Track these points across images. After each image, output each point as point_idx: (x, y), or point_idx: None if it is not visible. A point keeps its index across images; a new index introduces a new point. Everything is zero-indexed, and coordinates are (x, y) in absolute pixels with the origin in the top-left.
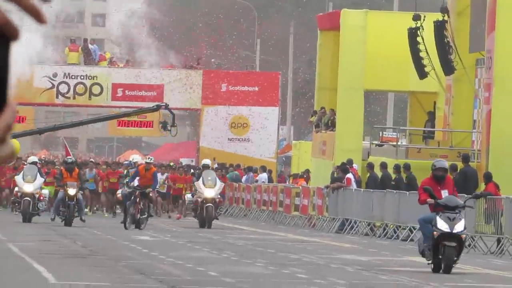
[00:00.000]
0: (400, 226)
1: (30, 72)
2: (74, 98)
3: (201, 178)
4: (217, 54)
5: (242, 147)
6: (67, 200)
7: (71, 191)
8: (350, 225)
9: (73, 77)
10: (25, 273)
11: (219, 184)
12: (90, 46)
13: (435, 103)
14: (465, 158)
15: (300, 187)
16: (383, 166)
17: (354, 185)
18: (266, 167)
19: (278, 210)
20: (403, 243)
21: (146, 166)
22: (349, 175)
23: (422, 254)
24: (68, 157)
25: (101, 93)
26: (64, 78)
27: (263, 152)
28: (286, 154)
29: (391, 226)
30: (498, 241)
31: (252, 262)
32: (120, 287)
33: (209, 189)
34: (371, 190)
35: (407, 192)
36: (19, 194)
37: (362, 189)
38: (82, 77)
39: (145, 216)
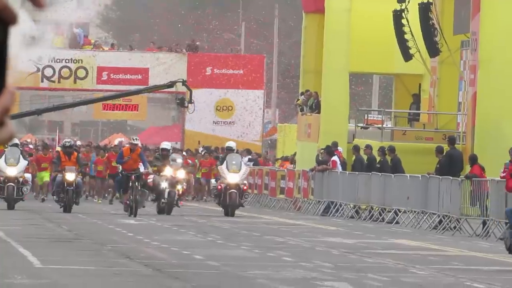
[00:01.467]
0: (385, 209)
1: (15, 56)
2: (59, 81)
3: (224, 162)
4: (202, 37)
5: (227, 130)
6: (65, 185)
7: (70, 176)
8: (336, 208)
9: (58, 60)
10: (10, 257)
11: (244, 169)
12: (75, 30)
13: (420, 85)
14: (451, 140)
15: (286, 170)
16: (369, 148)
17: (339, 168)
18: (250, 150)
19: (264, 193)
20: (388, 225)
21: (132, 147)
22: (335, 158)
23: (510, 250)
24: (67, 140)
25: (86, 76)
26: (49, 61)
27: (248, 135)
28: (272, 137)
29: (376, 208)
30: (484, 223)
31: (237, 245)
32: (105, 271)
33: (233, 174)
34: (357, 172)
35: (392, 175)
36: (1, 179)
37: (347, 172)
38: (67, 61)
39: (142, 203)
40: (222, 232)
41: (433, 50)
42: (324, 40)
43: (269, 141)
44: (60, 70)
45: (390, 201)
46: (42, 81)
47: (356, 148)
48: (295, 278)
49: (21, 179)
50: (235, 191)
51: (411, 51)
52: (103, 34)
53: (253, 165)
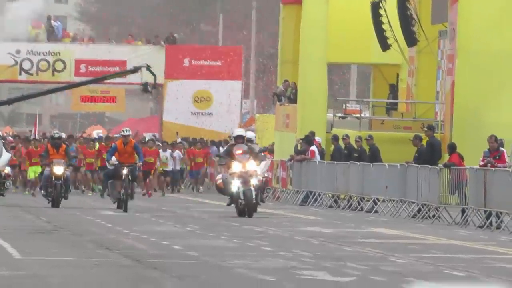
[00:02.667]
0: (364, 198)
1: None
2: (37, 74)
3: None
4: (179, 29)
5: (205, 121)
6: (53, 179)
7: (58, 170)
8: (314, 198)
9: (36, 53)
10: None
11: (265, 161)
12: (53, 23)
13: (398, 75)
14: (432, 129)
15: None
16: (347, 137)
17: (318, 158)
18: (228, 141)
19: None
20: (367, 214)
21: (124, 139)
22: (313, 148)
23: None
24: (55, 132)
25: (64, 69)
26: (27, 54)
27: (226, 126)
28: (250, 127)
29: (355, 198)
30: (463, 211)
31: (216, 235)
32: (85, 262)
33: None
34: (335, 162)
35: (371, 164)
36: None
37: (325, 162)
38: (45, 54)
39: (132, 196)
40: (200, 223)
41: (410, 39)
42: (301, 30)
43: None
44: (38, 63)
45: (368, 190)
46: (20, 74)
47: (335, 138)
48: (274, 267)
49: (3, 173)
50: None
51: (388, 41)
52: (82, 26)
53: None
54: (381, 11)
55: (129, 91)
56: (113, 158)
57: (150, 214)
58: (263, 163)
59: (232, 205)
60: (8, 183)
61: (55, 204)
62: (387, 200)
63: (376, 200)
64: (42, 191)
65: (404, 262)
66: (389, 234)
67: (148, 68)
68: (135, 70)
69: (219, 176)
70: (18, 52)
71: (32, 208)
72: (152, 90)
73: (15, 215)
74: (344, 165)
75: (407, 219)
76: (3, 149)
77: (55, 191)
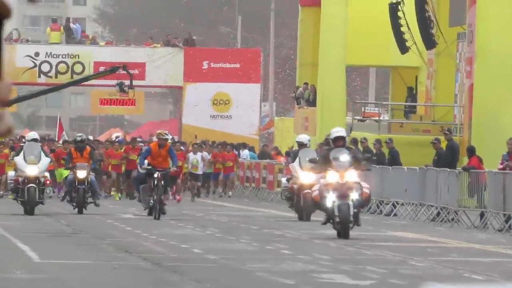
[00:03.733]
0: (383, 201)
1: (12, 51)
2: (56, 77)
3: (297, 159)
4: (198, 31)
5: (224, 124)
6: (76, 184)
7: (81, 174)
8: None
9: (55, 56)
10: (9, 252)
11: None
12: (72, 25)
13: (417, 77)
14: (451, 132)
15: (283, 163)
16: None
17: None
18: (246, 144)
19: (261, 187)
20: (386, 218)
21: (160, 142)
22: None
23: None
24: (78, 134)
25: (83, 71)
26: (46, 57)
27: (245, 129)
28: (269, 130)
29: (374, 201)
30: (482, 215)
31: (236, 238)
32: (104, 265)
33: (307, 172)
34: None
35: (390, 167)
36: (20, 179)
37: None
38: (64, 56)
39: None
40: (220, 226)
41: (429, 42)
42: (321, 33)
43: (266, 135)
44: (57, 65)
45: (387, 194)
46: (39, 76)
47: (354, 141)
48: (293, 270)
49: (42, 179)
50: (310, 191)
51: (407, 44)
52: (100, 29)
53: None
54: (400, 14)
55: (148, 94)
56: (146, 162)
57: (169, 217)
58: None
59: (329, 223)
60: (48, 190)
61: (80, 209)
62: (406, 204)
63: (395, 203)
64: (67, 196)
65: (423, 265)
66: (408, 238)
67: (124, 68)
68: (113, 70)
69: (315, 187)
70: (37, 54)
71: (55, 213)
72: (129, 90)
73: (35, 218)
74: None
75: (426, 222)
76: (42, 153)
77: (78, 196)
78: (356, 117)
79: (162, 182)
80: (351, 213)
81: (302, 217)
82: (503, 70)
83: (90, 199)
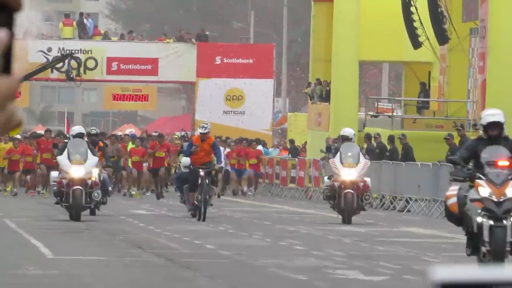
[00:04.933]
0: (396, 197)
1: (24, 47)
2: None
3: (338, 154)
4: (210, 26)
5: (237, 120)
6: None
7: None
8: None
9: (67, 51)
10: (22, 248)
11: (363, 162)
12: (85, 21)
13: (430, 73)
14: (464, 128)
15: (296, 159)
16: (379, 136)
17: None
18: (260, 139)
19: (275, 183)
20: (399, 214)
21: (202, 136)
22: None
23: None
24: (92, 128)
25: (95, 67)
26: (58, 52)
27: (258, 125)
28: (282, 126)
29: (388, 197)
30: None
31: (249, 234)
32: (117, 261)
33: (348, 169)
34: None
35: (403, 163)
36: (64, 181)
37: None
38: (76, 51)
39: (210, 203)
40: (233, 222)
41: (442, 37)
42: (333, 29)
43: (279, 130)
44: (70, 60)
45: (401, 189)
46: (52, 72)
47: (368, 137)
48: (307, 266)
49: (90, 181)
50: (351, 191)
51: (420, 39)
52: (113, 24)
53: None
54: (412, 9)
55: (160, 89)
56: (186, 160)
57: (183, 213)
58: (361, 164)
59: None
60: (96, 194)
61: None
62: (419, 199)
63: (408, 199)
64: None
65: (437, 261)
66: (422, 233)
67: (71, 56)
68: (62, 58)
69: (451, 192)
70: (49, 50)
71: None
72: (76, 78)
73: (48, 214)
74: (376, 164)
75: (439, 218)
76: (88, 151)
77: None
78: (369, 113)
79: (207, 180)
80: (509, 239)
81: (344, 219)
82: None
83: (97, 199)
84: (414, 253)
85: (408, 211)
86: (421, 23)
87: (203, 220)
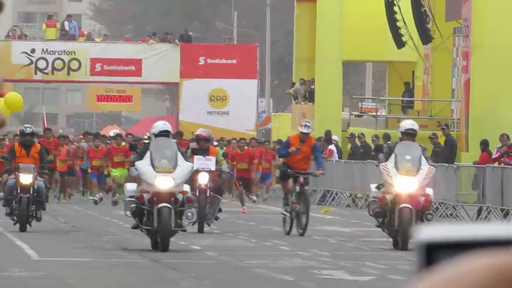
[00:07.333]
0: None
1: (7, 48)
2: (52, 73)
3: (392, 156)
4: (194, 27)
5: (221, 120)
6: (19, 191)
7: (25, 179)
8: (332, 197)
9: (51, 52)
10: (7, 250)
11: (427, 169)
12: (65, 23)
13: (413, 72)
14: (448, 127)
15: (281, 159)
16: (363, 136)
17: (336, 156)
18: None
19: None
20: None
21: (303, 136)
22: (331, 147)
23: None
24: (26, 125)
25: (79, 68)
26: (42, 54)
27: (242, 125)
28: (266, 126)
29: None
30: (480, 210)
31: (234, 235)
32: (103, 263)
33: (406, 177)
34: (352, 161)
35: None
36: (145, 196)
37: (343, 160)
38: (60, 53)
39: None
40: (218, 223)
41: (425, 37)
42: (317, 29)
43: (263, 131)
44: (53, 62)
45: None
46: (35, 73)
47: (353, 136)
48: (292, 267)
49: (181, 196)
50: (409, 206)
51: (403, 39)
52: (97, 26)
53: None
54: (396, 9)
55: (145, 90)
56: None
57: None
58: (424, 171)
59: None
60: (190, 213)
61: (22, 226)
62: None
63: None
64: (6, 208)
65: None
66: None
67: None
68: None
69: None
70: (33, 51)
71: (50, 209)
72: None
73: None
74: (361, 164)
75: None
76: (179, 155)
77: (20, 208)
78: (353, 113)
79: (305, 188)
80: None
81: (397, 243)
82: (499, 64)
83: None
84: (399, 253)
85: None
86: (404, 22)
87: (302, 234)
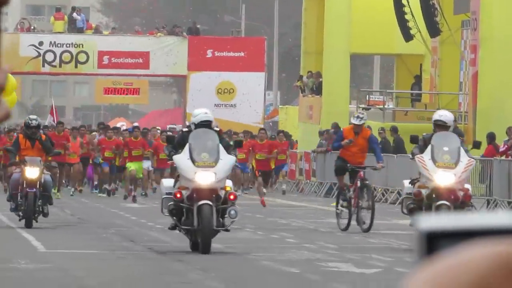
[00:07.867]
0: (388, 190)
1: (15, 41)
2: (60, 66)
3: (429, 148)
4: (202, 20)
5: (229, 113)
6: (25, 186)
7: (31, 173)
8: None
9: (59, 45)
10: (14, 242)
11: (466, 161)
12: (74, 15)
13: (421, 65)
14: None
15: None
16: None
17: None
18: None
19: None
20: (391, 206)
21: (356, 128)
22: None
23: None
24: (31, 117)
25: (87, 61)
26: (50, 46)
27: (250, 118)
28: (273, 119)
29: (380, 189)
30: (488, 203)
31: (241, 227)
32: (109, 255)
33: (444, 170)
34: None
35: (395, 155)
36: (184, 193)
37: None
38: (68, 45)
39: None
40: None
41: (433, 30)
42: (325, 22)
43: (271, 123)
44: (61, 54)
45: (393, 182)
46: (43, 66)
47: None
48: (299, 259)
49: (223, 193)
50: (447, 203)
51: (411, 32)
52: (104, 19)
53: None
54: (404, 2)
55: (152, 83)
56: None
57: None
58: (463, 163)
59: None
60: (233, 212)
61: (29, 222)
62: None
63: (400, 191)
64: (11, 202)
65: None
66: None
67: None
68: None
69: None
70: (41, 44)
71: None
72: None
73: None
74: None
75: None
76: (221, 147)
77: (26, 204)
78: (360, 105)
79: (362, 182)
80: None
81: None
82: (507, 57)
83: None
84: (406, 246)
85: (400, 203)
86: (412, 15)
87: (368, 230)
